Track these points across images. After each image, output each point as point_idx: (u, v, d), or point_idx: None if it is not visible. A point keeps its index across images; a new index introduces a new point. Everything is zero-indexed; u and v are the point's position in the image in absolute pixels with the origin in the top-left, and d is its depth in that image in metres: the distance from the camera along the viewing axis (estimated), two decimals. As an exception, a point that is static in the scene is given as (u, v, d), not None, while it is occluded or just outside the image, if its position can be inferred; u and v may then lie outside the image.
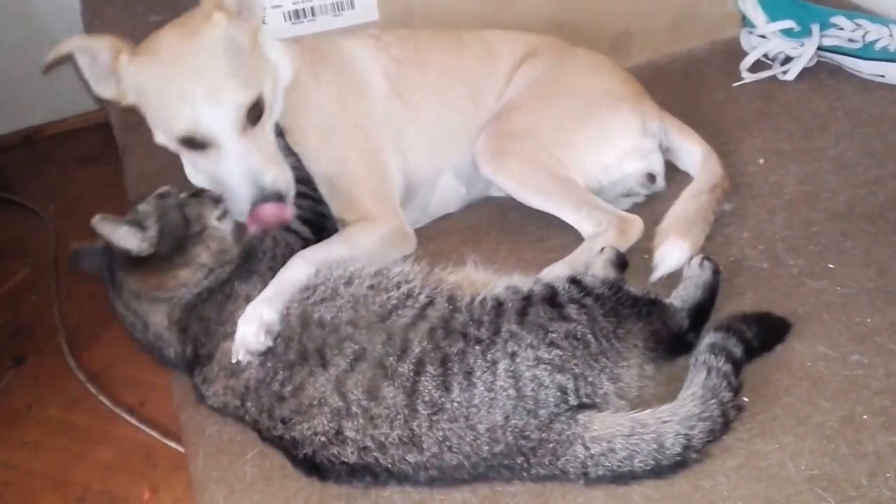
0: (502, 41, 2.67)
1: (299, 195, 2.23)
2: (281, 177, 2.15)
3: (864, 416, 1.76)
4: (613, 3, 3.05)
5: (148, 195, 2.13)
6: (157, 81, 2.11)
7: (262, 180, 2.12)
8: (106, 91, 2.15)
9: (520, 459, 1.70)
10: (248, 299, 2.00)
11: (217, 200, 2.15)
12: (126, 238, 2.01)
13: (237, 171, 2.12)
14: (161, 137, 2.17)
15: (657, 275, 2.17)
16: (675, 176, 2.48)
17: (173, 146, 2.17)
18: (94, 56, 2.12)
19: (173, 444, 3.13)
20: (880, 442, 1.72)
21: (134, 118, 3.19)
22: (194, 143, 2.12)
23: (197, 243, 2.07)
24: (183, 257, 2.05)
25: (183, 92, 2.07)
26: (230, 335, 1.95)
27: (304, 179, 2.25)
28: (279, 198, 2.13)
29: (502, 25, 2.75)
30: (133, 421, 3.30)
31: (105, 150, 3.79)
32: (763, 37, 2.93)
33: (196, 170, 2.30)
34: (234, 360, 1.92)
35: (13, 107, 4.94)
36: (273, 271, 2.06)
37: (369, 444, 1.75)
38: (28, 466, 3.30)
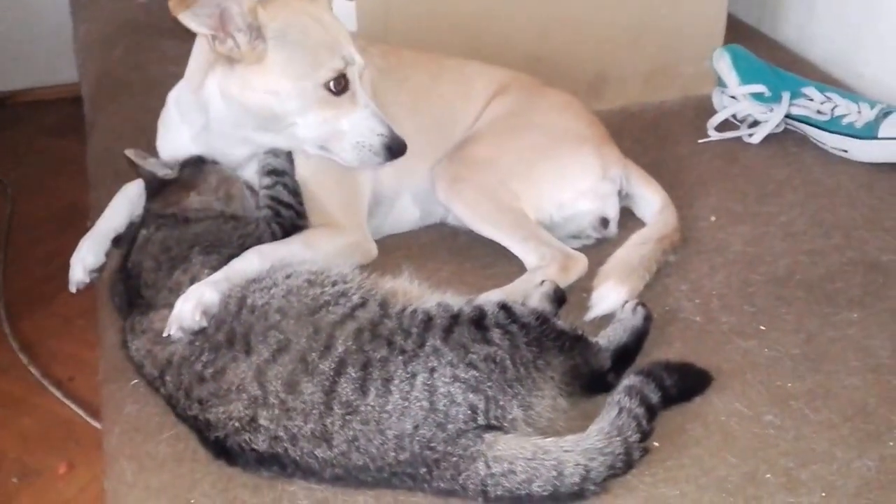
0: (479, 74, 2.69)
1: (286, 205, 2.27)
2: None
3: (768, 475, 1.78)
4: (593, 46, 3.08)
5: None
6: (311, 28, 2.18)
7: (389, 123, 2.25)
8: (226, 44, 2.11)
9: (422, 470, 1.71)
10: (194, 280, 2.03)
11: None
12: (153, 166, 2.25)
13: (372, 109, 2.23)
14: (291, 84, 2.16)
15: (591, 315, 2.20)
16: (627, 223, 2.51)
17: (309, 93, 2.17)
18: (225, 7, 2.08)
19: (96, 423, 3.09)
20: (778, 501, 1.73)
21: (105, 93, 3.22)
22: (335, 87, 2.17)
23: (213, 175, 2.25)
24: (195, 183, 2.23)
25: (337, 37, 2.21)
26: (170, 305, 1.97)
27: (294, 191, 2.30)
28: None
29: (480, 54, 2.76)
30: (59, 395, 3.28)
31: (75, 124, 3.77)
32: (734, 98, 2.97)
33: (314, 125, 2.22)
34: (165, 334, 1.94)
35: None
36: (233, 258, 2.09)
37: (281, 434, 1.76)
38: (-53, 425, 3.27)
